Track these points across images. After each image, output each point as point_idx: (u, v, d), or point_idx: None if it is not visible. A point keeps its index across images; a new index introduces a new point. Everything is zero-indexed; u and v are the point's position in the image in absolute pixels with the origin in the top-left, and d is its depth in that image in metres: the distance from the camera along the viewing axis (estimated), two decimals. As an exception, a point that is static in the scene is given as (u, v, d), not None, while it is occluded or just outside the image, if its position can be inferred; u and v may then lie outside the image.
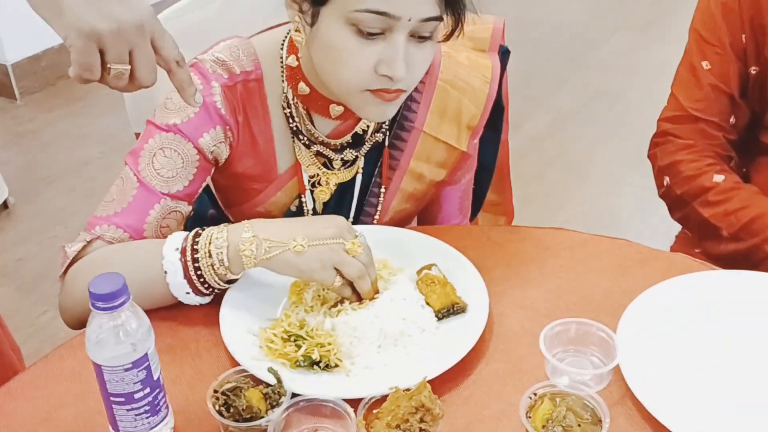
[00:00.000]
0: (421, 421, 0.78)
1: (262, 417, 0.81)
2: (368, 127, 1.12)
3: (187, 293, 0.98)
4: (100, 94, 3.27)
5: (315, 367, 0.90)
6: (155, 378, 0.79)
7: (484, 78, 1.15)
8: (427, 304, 0.98)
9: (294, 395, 0.83)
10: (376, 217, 1.18)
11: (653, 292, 0.97)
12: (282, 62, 1.08)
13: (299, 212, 1.17)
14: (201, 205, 1.31)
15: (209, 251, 0.96)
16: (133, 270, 0.94)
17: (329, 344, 0.92)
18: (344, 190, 1.16)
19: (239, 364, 0.88)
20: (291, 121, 1.09)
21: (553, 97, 3.14)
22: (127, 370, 0.76)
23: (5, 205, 2.59)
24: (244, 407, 0.81)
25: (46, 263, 2.36)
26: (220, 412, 0.81)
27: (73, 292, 1.02)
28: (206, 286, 0.97)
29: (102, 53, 0.79)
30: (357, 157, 1.13)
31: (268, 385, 0.85)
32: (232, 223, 1.00)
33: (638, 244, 1.11)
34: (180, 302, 0.99)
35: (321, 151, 1.11)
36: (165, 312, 0.99)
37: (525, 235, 1.14)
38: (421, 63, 0.98)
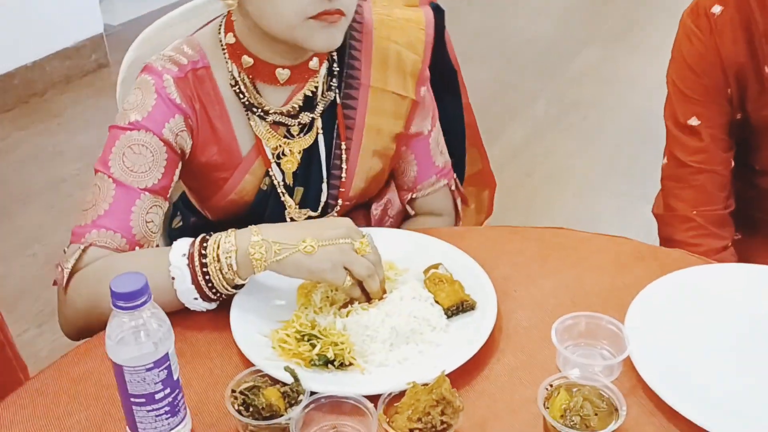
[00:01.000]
0: (442, 413, 0.79)
1: (282, 415, 0.81)
2: (316, 88, 1.14)
3: (195, 299, 0.98)
4: (74, 112, 3.25)
5: (329, 366, 0.90)
6: (175, 378, 0.79)
7: (418, 26, 1.20)
8: (436, 302, 0.99)
9: (312, 393, 0.84)
10: (343, 176, 1.19)
11: (656, 286, 1.00)
12: (222, 44, 1.12)
13: (272, 190, 1.18)
14: (183, 216, 1.33)
15: (217, 255, 0.96)
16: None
17: (342, 343, 0.92)
18: (310, 155, 1.18)
19: (252, 365, 0.88)
20: (242, 96, 1.12)
21: (529, 108, 3.19)
22: (148, 369, 0.75)
23: (-19, 223, 2.55)
24: (264, 406, 0.81)
25: (25, 281, 2.32)
26: (239, 411, 0.81)
27: (77, 303, 1.01)
28: (214, 291, 0.97)
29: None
30: (314, 119, 1.15)
31: (284, 384, 0.85)
32: (215, 228, 1.01)
33: (636, 242, 1.13)
34: (185, 308, 0.99)
35: (277, 120, 1.14)
36: (172, 317, 0.97)
37: (526, 235, 1.16)
38: None
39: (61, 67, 3.41)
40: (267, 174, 1.17)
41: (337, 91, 1.16)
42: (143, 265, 0.98)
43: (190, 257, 0.96)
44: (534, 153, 2.87)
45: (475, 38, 3.80)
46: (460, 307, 0.98)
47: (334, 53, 1.16)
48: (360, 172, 1.20)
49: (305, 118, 1.15)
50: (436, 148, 1.28)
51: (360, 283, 0.98)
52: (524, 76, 3.42)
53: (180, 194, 1.34)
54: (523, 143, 2.91)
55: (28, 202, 2.70)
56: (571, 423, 0.79)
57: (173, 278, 0.96)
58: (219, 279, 0.96)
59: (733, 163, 1.27)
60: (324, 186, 1.18)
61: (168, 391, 0.78)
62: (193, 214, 1.31)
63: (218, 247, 0.96)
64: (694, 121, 1.23)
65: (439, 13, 1.23)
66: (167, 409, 0.78)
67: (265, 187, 1.18)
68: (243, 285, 1.00)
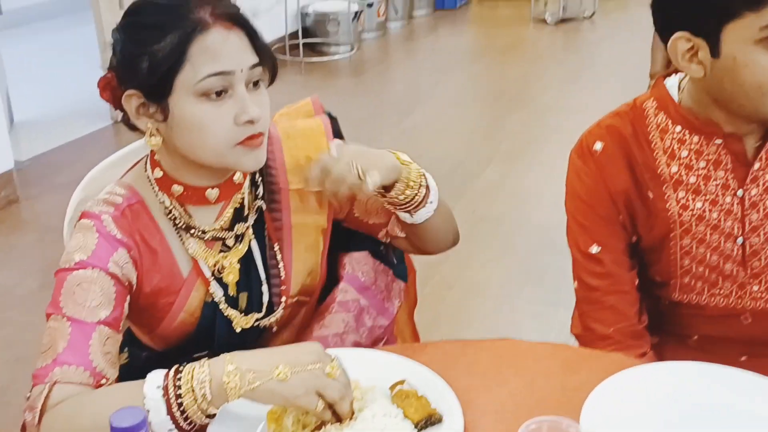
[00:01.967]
0: None
1: None
2: (243, 199, 1.23)
3: (170, 430, 0.99)
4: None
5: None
6: None
7: (320, 133, 1.31)
8: (406, 417, 1.04)
9: None
10: (282, 275, 1.26)
11: (605, 387, 1.08)
12: (150, 179, 1.20)
13: (215, 303, 1.23)
14: (131, 353, 1.34)
15: (192, 387, 0.98)
16: (113, 411, 0.94)
17: (321, 465, 0.95)
18: (248, 262, 1.25)
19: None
20: (178, 221, 1.19)
21: (443, 224, 3.34)
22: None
23: None
24: None
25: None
26: None
27: None
28: (189, 421, 0.99)
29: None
30: (247, 227, 1.24)
31: None
32: (169, 359, 1.04)
33: (576, 348, 1.23)
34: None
35: (215, 235, 1.21)
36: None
37: (478, 347, 1.23)
38: (265, 104, 1.14)
39: (-30, 205, 3.34)
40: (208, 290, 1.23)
41: (262, 198, 1.25)
42: (118, 399, 0.99)
43: (165, 389, 0.98)
44: (453, 265, 3.00)
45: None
46: (428, 421, 1.03)
47: None
48: (297, 268, 1.28)
49: (240, 228, 1.23)
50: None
51: (331, 406, 1.02)
52: (435, 193, 3.60)
53: (126, 330, 1.35)
54: (442, 256, 3.03)
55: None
56: None
57: (148, 411, 0.97)
58: (194, 409, 0.98)
59: (637, 280, 1.37)
60: (264, 288, 1.26)
61: None
62: (142, 349, 1.32)
63: (192, 378, 0.98)
64: (594, 248, 1.32)
65: (333, 119, 1.35)
66: None
67: (209, 300, 1.23)
68: (215, 414, 1.02)
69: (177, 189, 1.18)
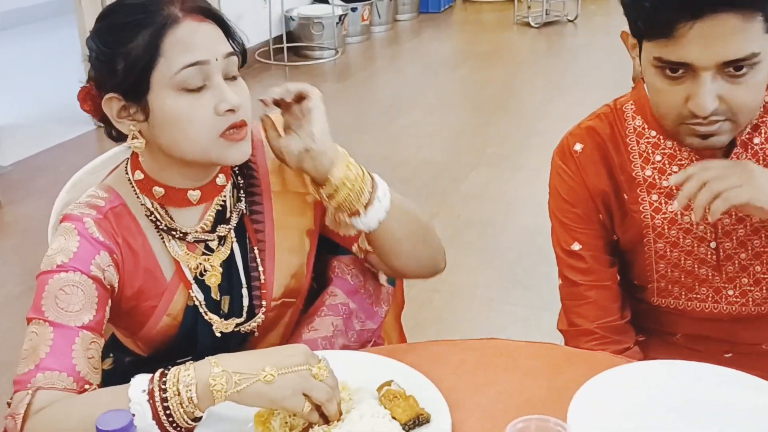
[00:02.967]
0: None
1: None
2: (224, 201, 1.22)
3: (156, 434, 0.98)
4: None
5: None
6: None
7: None
8: (393, 418, 1.04)
9: None
10: (263, 278, 1.25)
11: (590, 386, 1.09)
12: (132, 182, 1.19)
13: (197, 306, 1.22)
14: (116, 357, 1.34)
15: (178, 390, 0.98)
16: (96, 415, 0.93)
17: (310, 466, 0.94)
18: (229, 266, 1.24)
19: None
20: (159, 224, 1.19)
21: (428, 228, 3.35)
22: None
23: None
24: None
25: None
26: None
27: None
28: (174, 425, 0.98)
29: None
30: (229, 229, 1.23)
31: None
32: (153, 362, 1.04)
33: (563, 347, 1.23)
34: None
35: (196, 238, 1.20)
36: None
37: (464, 346, 1.24)
38: (244, 93, 1.14)
39: (-49, 210, 3.30)
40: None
41: (243, 201, 1.25)
42: (102, 403, 0.98)
43: (150, 393, 0.97)
44: (438, 270, 3.00)
45: (368, 163, 3.99)
46: (416, 421, 1.03)
47: (236, 168, 1.25)
48: (279, 271, 1.27)
49: (222, 230, 1.22)
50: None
51: (318, 407, 1.02)
52: (421, 197, 3.60)
53: (110, 335, 1.34)
54: (427, 261, 3.04)
55: None
56: None
57: (134, 415, 0.97)
58: (180, 413, 0.97)
59: (618, 277, 1.39)
60: (244, 291, 1.25)
61: None
62: (126, 354, 1.31)
63: (178, 381, 0.98)
64: (576, 246, 1.35)
65: None
66: None
67: (192, 303, 1.22)
68: (201, 417, 1.01)
69: (158, 191, 1.18)
